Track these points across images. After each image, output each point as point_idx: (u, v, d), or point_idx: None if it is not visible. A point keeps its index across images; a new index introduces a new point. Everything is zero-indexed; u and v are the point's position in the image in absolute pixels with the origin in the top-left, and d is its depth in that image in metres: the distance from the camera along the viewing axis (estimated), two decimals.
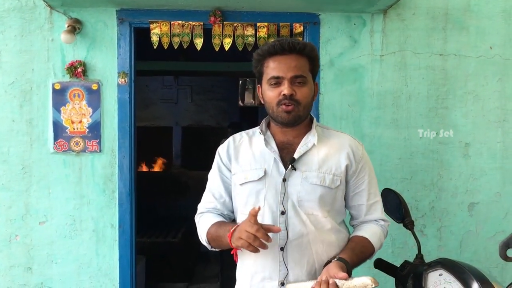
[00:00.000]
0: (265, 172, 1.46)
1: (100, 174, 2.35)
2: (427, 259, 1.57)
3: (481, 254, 2.45)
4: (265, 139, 1.50)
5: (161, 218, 4.57)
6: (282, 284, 1.42)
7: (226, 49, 2.38)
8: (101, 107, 2.35)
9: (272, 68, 1.43)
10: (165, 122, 5.97)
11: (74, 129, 2.34)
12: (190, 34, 2.36)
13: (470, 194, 2.45)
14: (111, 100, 2.35)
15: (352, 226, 1.59)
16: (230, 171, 1.54)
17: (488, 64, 2.44)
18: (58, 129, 2.33)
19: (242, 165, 1.51)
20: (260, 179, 1.46)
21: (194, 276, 4.37)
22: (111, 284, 2.37)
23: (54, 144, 2.33)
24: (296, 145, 1.49)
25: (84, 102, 2.34)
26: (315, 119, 1.56)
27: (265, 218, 1.43)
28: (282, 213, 1.43)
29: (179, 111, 5.99)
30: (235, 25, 2.37)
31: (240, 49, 2.40)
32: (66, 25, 2.25)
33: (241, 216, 1.49)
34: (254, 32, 2.37)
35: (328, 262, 1.38)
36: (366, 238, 1.48)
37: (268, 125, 1.56)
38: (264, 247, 1.27)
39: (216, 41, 2.38)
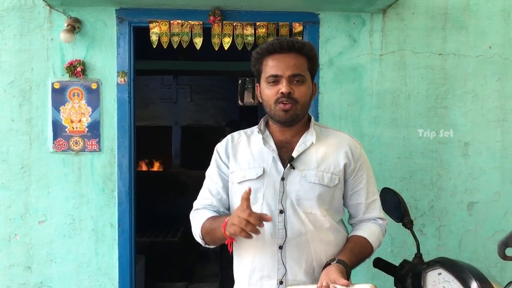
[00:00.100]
0: (264, 171, 1.46)
1: (100, 174, 2.35)
2: (426, 258, 1.58)
3: (480, 253, 2.45)
4: (263, 138, 1.50)
5: (160, 217, 4.56)
6: (281, 282, 1.42)
7: (226, 48, 2.38)
8: (101, 106, 2.34)
9: (271, 66, 1.43)
10: (165, 121, 5.97)
11: (73, 128, 2.34)
12: (190, 34, 2.36)
13: (469, 193, 2.45)
14: (110, 100, 2.35)
15: (351, 225, 1.59)
16: (228, 168, 1.54)
17: (488, 63, 2.44)
18: (58, 129, 2.33)
19: (240, 164, 1.51)
20: (258, 177, 1.46)
21: (193, 275, 4.38)
22: (110, 283, 2.37)
23: (53, 143, 2.33)
24: (295, 144, 1.49)
25: (83, 102, 2.34)
26: (313, 118, 1.56)
27: None
28: (281, 211, 1.43)
29: (179, 111, 5.99)
30: (234, 24, 2.37)
31: (240, 48, 2.40)
32: (66, 24, 2.25)
33: None
34: (253, 32, 2.37)
35: (327, 263, 1.38)
36: (365, 238, 1.48)
37: (266, 124, 1.56)
38: (257, 232, 1.26)
39: (215, 41, 2.38)
